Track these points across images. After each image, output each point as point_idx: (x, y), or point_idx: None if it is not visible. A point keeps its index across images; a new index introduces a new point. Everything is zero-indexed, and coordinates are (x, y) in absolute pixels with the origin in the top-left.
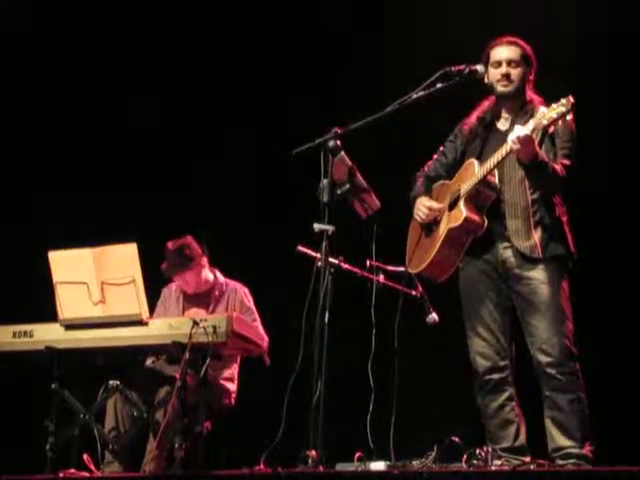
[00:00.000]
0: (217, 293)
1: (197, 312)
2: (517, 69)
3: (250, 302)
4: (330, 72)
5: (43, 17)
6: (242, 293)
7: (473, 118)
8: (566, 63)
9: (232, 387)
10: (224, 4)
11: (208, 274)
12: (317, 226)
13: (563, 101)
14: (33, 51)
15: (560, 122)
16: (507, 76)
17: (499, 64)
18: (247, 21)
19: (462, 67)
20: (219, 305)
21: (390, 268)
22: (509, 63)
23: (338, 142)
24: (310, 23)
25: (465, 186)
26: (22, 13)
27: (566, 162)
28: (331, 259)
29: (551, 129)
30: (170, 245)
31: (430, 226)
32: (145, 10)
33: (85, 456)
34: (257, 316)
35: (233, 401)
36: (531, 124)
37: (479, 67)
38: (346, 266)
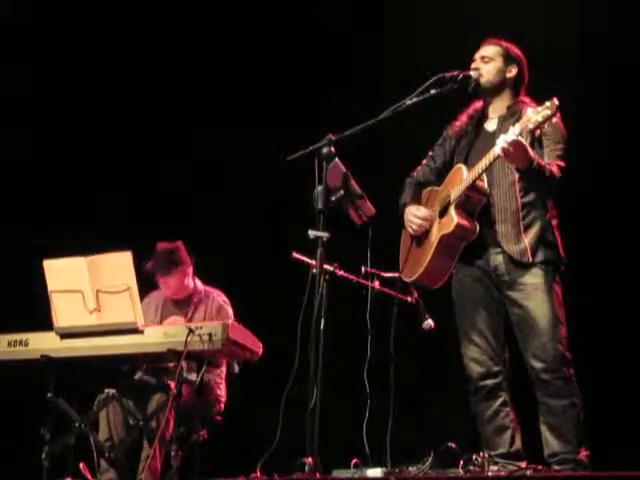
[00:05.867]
0: (196, 300)
1: (176, 320)
2: (489, 64)
3: (228, 308)
4: (329, 74)
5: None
6: (220, 300)
7: (464, 117)
8: (566, 63)
9: (220, 391)
10: (224, 4)
11: (190, 282)
12: (312, 233)
13: (548, 104)
14: (30, 45)
15: (546, 125)
16: (476, 70)
17: (474, 62)
18: (245, 22)
19: (456, 73)
20: (197, 312)
21: (385, 274)
22: (482, 59)
23: (332, 148)
24: (310, 23)
25: (454, 192)
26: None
27: (561, 163)
28: (326, 266)
29: (538, 132)
30: (161, 246)
31: (421, 234)
32: (144, 9)
33: (81, 465)
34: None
35: (222, 405)
36: (517, 128)
37: (473, 73)
38: (341, 273)
